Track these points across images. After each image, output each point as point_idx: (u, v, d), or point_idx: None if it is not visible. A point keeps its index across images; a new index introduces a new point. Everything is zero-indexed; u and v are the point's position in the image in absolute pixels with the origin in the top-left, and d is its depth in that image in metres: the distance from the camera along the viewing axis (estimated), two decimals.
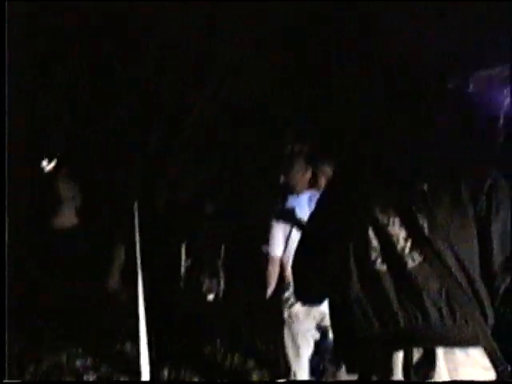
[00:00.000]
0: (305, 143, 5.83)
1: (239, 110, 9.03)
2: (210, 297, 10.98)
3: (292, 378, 5.39)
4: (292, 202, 5.49)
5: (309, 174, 5.54)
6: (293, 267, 2.79)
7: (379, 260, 2.40)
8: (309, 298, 2.96)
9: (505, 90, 5.06)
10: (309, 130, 7.60)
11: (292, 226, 5.36)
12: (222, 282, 11.22)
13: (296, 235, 5.28)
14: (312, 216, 2.69)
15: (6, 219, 3.86)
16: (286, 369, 5.42)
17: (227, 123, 9.16)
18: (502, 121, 5.15)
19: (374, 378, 2.42)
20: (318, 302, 3.06)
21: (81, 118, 8.83)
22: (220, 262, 11.37)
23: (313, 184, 5.55)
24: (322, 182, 5.63)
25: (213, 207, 11.10)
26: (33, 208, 11.18)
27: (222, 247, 11.35)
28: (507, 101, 5.16)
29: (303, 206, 5.34)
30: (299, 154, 5.69)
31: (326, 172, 5.63)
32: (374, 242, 2.41)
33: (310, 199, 5.32)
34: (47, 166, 11.63)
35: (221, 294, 11.11)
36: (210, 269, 11.39)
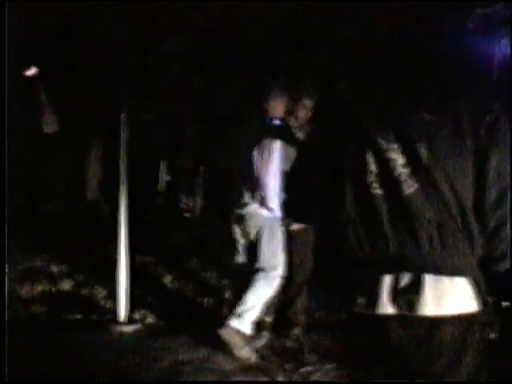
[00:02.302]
0: (286, 74, 5.85)
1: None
2: (187, 214, 11.05)
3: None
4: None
5: (285, 104, 5.66)
6: (288, 186, 2.82)
7: (375, 184, 2.42)
8: (302, 217, 3.01)
9: (503, 29, 5.04)
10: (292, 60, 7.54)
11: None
12: (199, 200, 11.26)
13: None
14: (310, 135, 2.70)
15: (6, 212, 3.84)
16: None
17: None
18: (496, 60, 5.14)
19: (359, 301, 2.46)
20: (311, 221, 3.11)
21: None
22: (199, 180, 11.39)
23: (289, 115, 5.68)
24: (301, 114, 5.72)
25: (195, 127, 11.07)
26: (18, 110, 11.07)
27: (201, 167, 11.36)
28: (504, 41, 5.14)
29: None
30: (280, 83, 5.73)
31: (306, 105, 5.73)
32: (372, 166, 2.43)
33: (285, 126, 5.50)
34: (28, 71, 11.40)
35: (197, 212, 11.17)
36: (188, 186, 11.42)
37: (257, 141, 5.61)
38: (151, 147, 10.57)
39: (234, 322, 5.52)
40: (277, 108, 5.66)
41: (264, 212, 5.56)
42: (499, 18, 4.99)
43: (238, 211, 5.65)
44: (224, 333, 5.47)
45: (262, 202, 5.54)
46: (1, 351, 3.64)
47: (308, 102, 5.75)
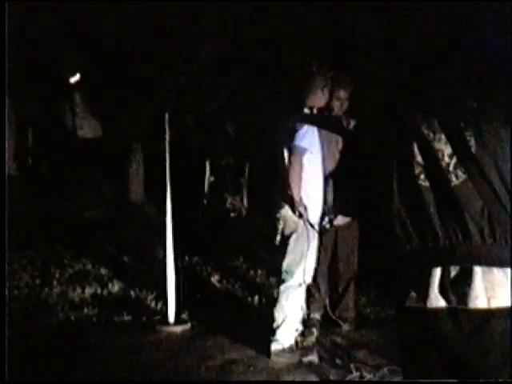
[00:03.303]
0: (324, 64, 5.72)
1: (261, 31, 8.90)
2: (233, 214, 11.06)
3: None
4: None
5: (326, 96, 5.51)
6: (335, 179, 2.80)
7: (423, 175, 2.39)
8: (347, 211, 2.99)
9: None
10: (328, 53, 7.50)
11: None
12: (245, 200, 11.27)
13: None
14: (356, 128, 2.67)
15: (6, 211, 3.87)
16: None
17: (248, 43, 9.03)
18: None
19: (410, 295, 2.43)
20: (356, 215, 3.09)
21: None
22: (243, 180, 11.40)
23: (325, 107, 5.55)
24: (336, 106, 5.59)
25: (235, 125, 11.09)
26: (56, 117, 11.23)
27: (247, 165, 11.36)
28: None
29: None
30: (318, 73, 5.59)
31: (340, 97, 5.60)
32: (419, 158, 2.39)
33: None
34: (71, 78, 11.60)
35: (243, 212, 11.18)
36: (233, 186, 11.44)
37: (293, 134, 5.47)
38: (195, 148, 10.63)
39: (274, 346, 5.50)
40: (318, 98, 5.51)
41: (294, 217, 5.45)
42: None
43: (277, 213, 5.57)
44: (273, 359, 5.47)
45: (292, 205, 5.40)
46: (1, 351, 3.66)
47: (342, 93, 5.62)
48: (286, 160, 5.39)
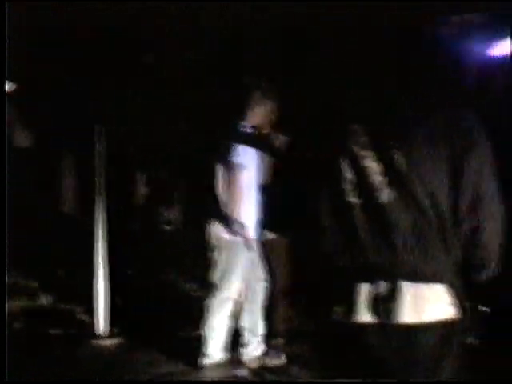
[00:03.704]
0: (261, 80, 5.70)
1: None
2: (167, 227, 11.00)
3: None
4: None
5: (264, 113, 5.48)
6: (264, 196, 2.82)
7: (352, 192, 2.41)
8: (276, 227, 3.01)
9: (479, 36, 5.07)
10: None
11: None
12: (179, 213, 11.22)
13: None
14: (286, 145, 2.69)
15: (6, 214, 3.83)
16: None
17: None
18: (475, 68, 5.18)
19: (337, 309, 2.45)
20: (285, 231, 3.12)
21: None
22: (178, 194, 11.35)
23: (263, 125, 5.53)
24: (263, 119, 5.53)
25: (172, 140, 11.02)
26: None
27: (182, 178, 11.32)
28: (482, 48, 5.18)
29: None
30: (256, 89, 5.57)
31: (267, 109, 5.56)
32: (349, 175, 2.42)
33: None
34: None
35: (178, 225, 11.13)
36: (167, 199, 11.38)
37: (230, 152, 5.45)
38: (128, 159, 10.53)
39: (204, 360, 5.57)
40: (256, 116, 5.47)
41: (223, 233, 5.48)
42: (477, 27, 5.01)
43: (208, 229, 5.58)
44: (204, 373, 5.50)
45: (227, 222, 5.41)
46: (1, 351, 3.61)
47: (270, 106, 5.47)
48: (221, 177, 5.38)
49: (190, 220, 10.42)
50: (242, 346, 5.66)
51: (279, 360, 5.69)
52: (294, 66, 6.98)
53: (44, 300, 7.21)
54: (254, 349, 5.64)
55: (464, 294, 2.43)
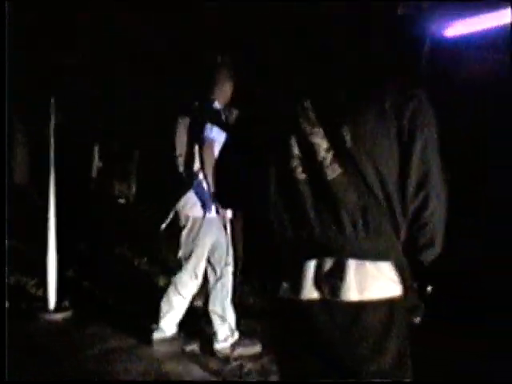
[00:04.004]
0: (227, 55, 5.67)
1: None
2: (121, 200, 10.95)
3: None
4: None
5: (229, 88, 5.45)
6: (216, 169, 2.80)
7: (299, 169, 2.40)
8: (226, 201, 3.01)
9: (431, 15, 5.09)
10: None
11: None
12: (133, 187, 11.18)
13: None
14: (238, 120, 2.67)
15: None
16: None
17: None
18: (427, 45, 5.21)
19: (284, 285, 2.45)
20: (235, 206, 3.11)
21: None
22: (132, 167, 11.30)
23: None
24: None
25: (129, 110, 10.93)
26: None
27: (136, 152, 11.26)
28: (433, 26, 5.21)
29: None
30: (221, 65, 5.55)
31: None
32: (295, 150, 2.41)
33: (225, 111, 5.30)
34: None
35: (131, 199, 11.09)
36: (121, 173, 11.32)
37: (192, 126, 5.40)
38: (84, 132, 10.44)
39: (156, 334, 5.53)
40: (221, 91, 5.44)
41: (187, 211, 5.42)
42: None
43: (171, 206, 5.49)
44: (155, 348, 5.45)
45: (202, 200, 5.34)
46: (1, 351, 3.57)
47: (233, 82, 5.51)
48: (196, 153, 5.32)
49: (147, 195, 10.38)
50: (213, 334, 5.52)
51: (254, 349, 5.50)
52: (250, 43, 6.98)
53: None
54: (224, 336, 5.51)
55: (410, 272, 2.44)
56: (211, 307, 5.53)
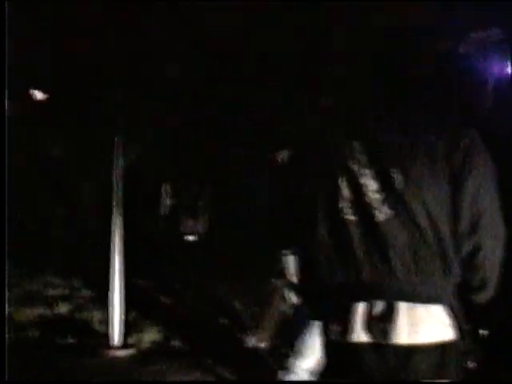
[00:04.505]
0: None
1: None
2: (190, 237, 11.02)
3: None
4: None
5: None
6: (270, 211, 2.81)
7: (348, 210, 2.38)
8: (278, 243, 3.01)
9: (495, 54, 5.02)
10: None
11: None
12: (202, 223, 11.23)
13: None
14: (289, 161, 2.67)
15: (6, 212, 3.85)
16: None
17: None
18: (490, 85, 5.13)
19: (334, 328, 2.42)
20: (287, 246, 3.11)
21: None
22: (202, 203, 11.37)
23: None
24: None
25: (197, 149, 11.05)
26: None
27: (207, 189, 11.34)
28: (498, 65, 5.13)
29: None
30: None
31: None
32: (345, 192, 2.39)
33: None
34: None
35: (201, 236, 11.14)
36: (191, 209, 11.40)
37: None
38: (152, 170, 10.58)
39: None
40: None
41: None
42: (491, 43, 4.96)
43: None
44: None
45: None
46: (1, 351, 3.62)
47: None
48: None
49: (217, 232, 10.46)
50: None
51: None
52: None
53: (62, 309, 7.23)
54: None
55: (463, 315, 2.39)
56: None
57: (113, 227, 6.34)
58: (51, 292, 7.74)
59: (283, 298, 5.44)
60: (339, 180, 2.40)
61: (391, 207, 2.33)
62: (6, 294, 4.98)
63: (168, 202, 11.57)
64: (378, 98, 2.51)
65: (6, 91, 4.28)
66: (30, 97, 11.52)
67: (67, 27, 7.34)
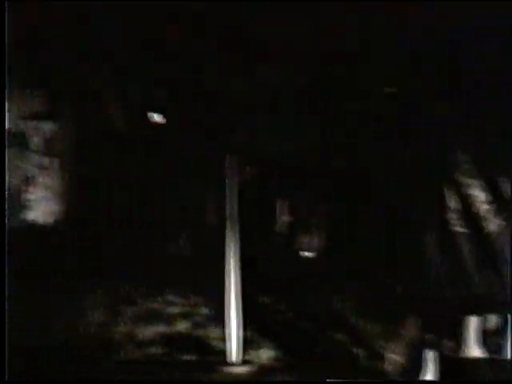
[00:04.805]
0: None
1: None
2: (305, 253, 10.96)
3: None
4: None
5: None
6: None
7: (458, 222, 2.31)
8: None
9: None
10: None
11: None
12: (319, 240, 11.16)
13: None
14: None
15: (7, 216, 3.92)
16: None
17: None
18: None
19: (445, 343, 2.35)
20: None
21: None
22: (319, 220, 11.31)
23: None
24: None
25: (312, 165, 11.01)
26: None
27: (322, 204, 11.27)
28: None
29: None
30: None
31: None
32: (453, 204, 2.32)
33: None
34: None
35: (319, 252, 11.08)
36: (308, 226, 11.35)
37: None
38: (268, 187, 10.59)
39: None
40: None
41: None
42: None
43: None
44: None
45: None
46: (1, 351, 3.66)
47: None
48: None
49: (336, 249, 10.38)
50: None
51: None
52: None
53: (181, 326, 7.31)
54: None
55: None
56: None
57: (228, 243, 6.39)
58: (171, 310, 7.83)
59: None
60: (444, 190, 2.33)
61: (501, 218, 2.24)
62: (6, 293, 5.03)
63: (284, 218, 11.56)
64: (483, 112, 2.44)
65: (6, 91, 4.36)
66: (149, 120, 11.99)
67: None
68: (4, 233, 3.88)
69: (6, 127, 4.17)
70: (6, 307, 4.66)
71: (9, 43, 4.01)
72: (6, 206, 4.12)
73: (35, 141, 12.76)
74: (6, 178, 4.25)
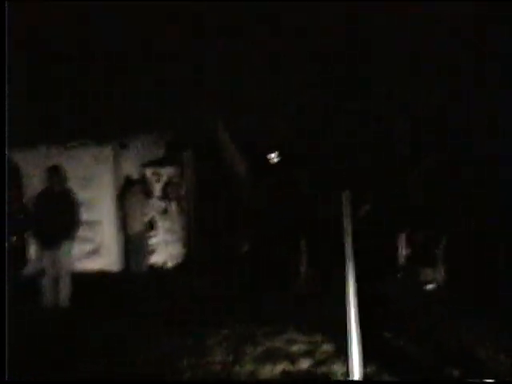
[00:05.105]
0: None
1: None
2: (430, 287, 10.85)
3: None
4: None
5: None
6: None
7: None
8: None
9: None
10: None
11: None
12: (442, 272, 11.04)
13: None
14: None
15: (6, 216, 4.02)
16: None
17: None
18: None
19: None
20: None
21: None
22: (440, 252, 11.19)
23: None
24: None
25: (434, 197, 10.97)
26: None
27: (444, 236, 11.16)
28: None
29: None
30: None
31: None
32: None
33: None
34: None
35: (441, 284, 10.94)
36: (429, 258, 11.25)
37: None
38: (387, 221, 10.59)
39: None
40: None
41: None
42: None
43: None
44: None
45: None
46: (1, 351, 3.70)
47: None
48: None
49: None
50: None
51: None
52: None
53: (303, 364, 7.35)
54: None
55: None
56: None
57: (347, 280, 6.41)
58: (293, 348, 7.89)
59: None
60: None
61: None
62: (6, 294, 5.05)
63: (405, 251, 11.51)
64: None
65: (6, 90, 4.49)
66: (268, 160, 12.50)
67: None
68: (4, 235, 4.00)
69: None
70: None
71: (9, 43, 4.21)
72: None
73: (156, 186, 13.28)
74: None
